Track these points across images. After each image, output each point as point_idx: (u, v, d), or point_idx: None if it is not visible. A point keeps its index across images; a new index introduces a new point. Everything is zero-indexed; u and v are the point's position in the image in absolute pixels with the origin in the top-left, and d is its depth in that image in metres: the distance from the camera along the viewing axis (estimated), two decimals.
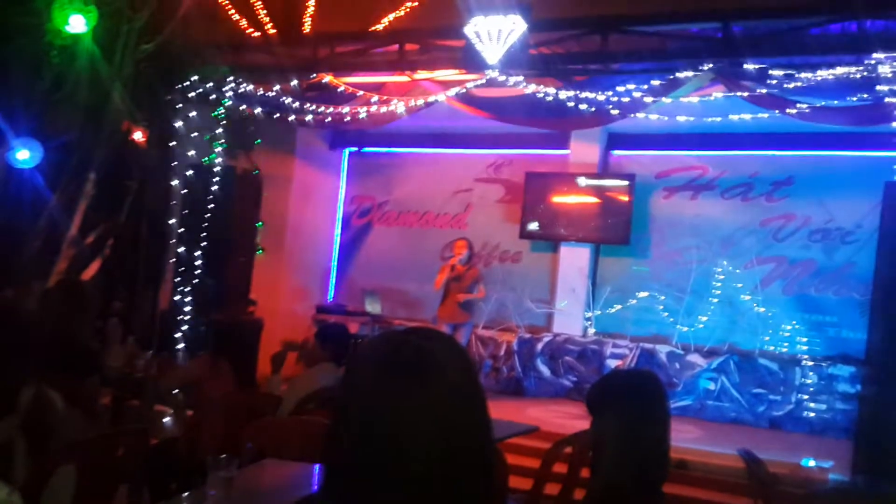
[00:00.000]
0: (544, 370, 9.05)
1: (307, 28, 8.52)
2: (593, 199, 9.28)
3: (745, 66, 6.80)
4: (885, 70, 6.43)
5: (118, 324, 7.65)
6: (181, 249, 8.66)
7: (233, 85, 8.65)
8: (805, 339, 8.40)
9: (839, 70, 6.59)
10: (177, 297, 8.60)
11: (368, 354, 1.28)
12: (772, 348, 8.48)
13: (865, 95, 6.67)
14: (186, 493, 3.15)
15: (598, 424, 2.33)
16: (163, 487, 3.90)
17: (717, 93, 7.41)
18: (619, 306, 9.19)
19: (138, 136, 8.63)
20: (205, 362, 5.26)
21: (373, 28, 8.21)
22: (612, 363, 8.65)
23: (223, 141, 8.89)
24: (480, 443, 1.22)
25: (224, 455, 2.86)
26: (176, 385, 6.28)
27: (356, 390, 1.24)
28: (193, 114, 8.75)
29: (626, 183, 9.16)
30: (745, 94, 6.99)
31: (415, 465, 1.16)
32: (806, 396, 8.05)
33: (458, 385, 1.21)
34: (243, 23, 8.65)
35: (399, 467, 1.16)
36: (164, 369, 6.57)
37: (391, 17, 8.22)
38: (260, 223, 9.40)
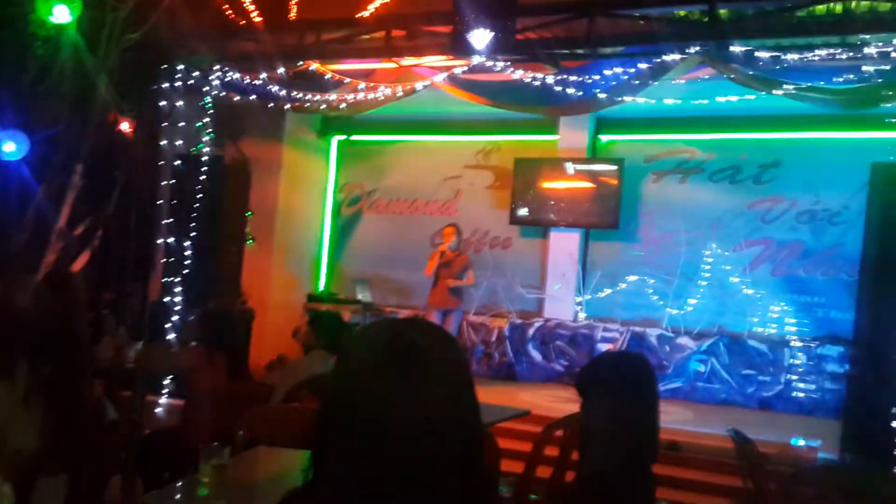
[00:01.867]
0: (536, 355, 9.09)
1: (293, 15, 8.48)
2: (582, 184, 9.29)
3: (732, 48, 6.81)
4: (870, 51, 6.46)
5: (108, 315, 7.64)
6: (170, 240, 8.64)
7: (219, 73, 8.61)
8: (794, 321, 8.45)
9: (825, 52, 6.62)
10: (167, 288, 8.59)
11: (361, 344, 1.29)
12: (761, 330, 8.53)
13: (852, 76, 6.69)
14: (179, 482, 3.16)
15: (588, 407, 2.35)
16: (156, 477, 3.92)
17: (705, 76, 7.43)
18: (609, 290, 9.23)
19: (125, 126, 8.58)
20: (197, 352, 5.26)
21: (359, 14, 8.17)
22: (603, 347, 8.70)
23: (211, 130, 8.85)
24: (468, 434, 1.25)
25: (216, 443, 2.87)
26: (167, 371, 6.29)
27: (348, 379, 1.26)
28: (180, 103, 8.70)
29: (615, 167, 9.16)
30: (733, 76, 7.01)
31: (403, 455, 1.18)
32: (795, 377, 8.11)
33: (448, 380, 1.25)
34: (229, 11, 8.60)
35: (387, 456, 1.18)
36: (156, 356, 6.59)
37: (377, 3, 8.19)
38: (249, 212, 9.38)
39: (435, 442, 1.20)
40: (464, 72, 7.81)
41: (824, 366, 8.03)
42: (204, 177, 8.65)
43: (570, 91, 7.53)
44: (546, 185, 9.45)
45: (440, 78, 7.94)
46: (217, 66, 8.54)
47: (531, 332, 9.12)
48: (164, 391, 7.44)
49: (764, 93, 7.08)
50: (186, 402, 4.81)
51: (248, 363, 5.98)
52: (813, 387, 8.03)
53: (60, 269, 7.30)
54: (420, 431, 1.19)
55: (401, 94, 8.23)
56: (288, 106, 8.68)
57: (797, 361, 8.12)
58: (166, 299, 8.56)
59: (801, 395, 8.06)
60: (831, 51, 6.64)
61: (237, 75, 8.61)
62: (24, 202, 7.95)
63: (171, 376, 7.30)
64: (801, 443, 6.24)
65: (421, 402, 1.20)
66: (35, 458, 2.97)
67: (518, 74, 7.59)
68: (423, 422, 1.20)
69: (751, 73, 6.92)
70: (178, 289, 8.54)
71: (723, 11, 6.89)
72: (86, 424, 3.38)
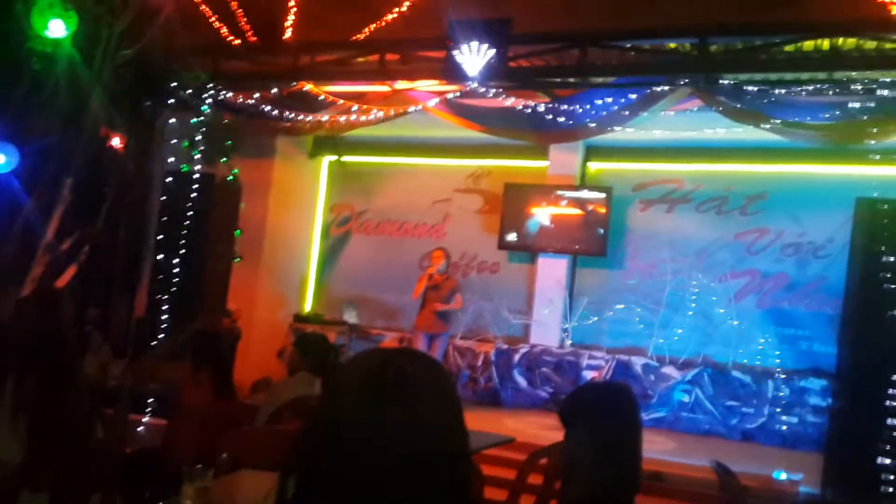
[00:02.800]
0: (521, 381, 9.08)
1: (288, 36, 8.53)
2: (571, 211, 9.34)
3: (721, 81, 6.90)
4: (857, 88, 6.56)
5: (94, 331, 7.59)
6: (158, 257, 8.61)
7: (212, 92, 8.63)
8: (777, 353, 8.48)
9: (812, 87, 6.72)
10: (153, 305, 8.55)
11: (350, 374, 1.31)
12: (745, 361, 8.55)
13: (838, 113, 6.80)
14: (161, 503, 3.14)
15: (571, 436, 2.35)
16: (137, 497, 3.89)
17: (694, 107, 7.52)
18: (595, 318, 9.24)
19: (116, 142, 8.58)
20: (183, 370, 5.24)
21: (354, 38, 8.23)
22: (589, 374, 8.70)
23: (202, 148, 8.86)
24: (456, 458, 1.26)
25: (199, 465, 2.86)
26: (152, 389, 6.23)
27: (335, 406, 1.27)
28: (172, 120, 8.72)
29: (603, 195, 9.22)
30: (721, 108, 7.10)
31: (392, 481, 1.19)
32: (778, 409, 8.13)
33: (437, 406, 1.26)
34: (224, 30, 8.64)
35: (376, 480, 1.19)
36: (140, 374, 6.55)
37: (372, 27, 8.26)
38: (238, 231, 9.37)
39: (423, 467, 1.21)
40: (456, 97, 7.88)
41: (807, 399, 8.06)
42: (194, 194, 8.65)
43: (561, 119, 7.61)
44: (535, 210, 9.50)
45: (432, 102, 8.00)
46: (210, 85, 8.57)
47: (517, 357, 9.12)
48: (147, 409, 7.38)
49: (751, 126, 7.18)
50: (170, 420, 4.79)
51: (233, 383, 5.95)
52: (796, 419, 8.05)
53: (48, 287, 7.27)
54: (409, 457, 1.20)
55: (393, 116, 8.28)
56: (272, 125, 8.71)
57: (780, 394, 8.14)
58: (152, 316, 8.52)
59: (784, 427, 8.08)
60: (818, 86, 6.75)
61: (230, 94, 8.64)
62: (13, 214, 7.92)
63: (154, 394, 7.25)
64: (783, 476, 6.26)
65: (409, 428, 1.22)
66: (18, 472, 2.96)
67: (510, 101, 7.66)
68: (411, 448, 1.21)
69: (738, 106, 7.02)
70: (164, 306, 8.51)
71: (713, 46, 6.99)
72: (70, 441, 3.36)
